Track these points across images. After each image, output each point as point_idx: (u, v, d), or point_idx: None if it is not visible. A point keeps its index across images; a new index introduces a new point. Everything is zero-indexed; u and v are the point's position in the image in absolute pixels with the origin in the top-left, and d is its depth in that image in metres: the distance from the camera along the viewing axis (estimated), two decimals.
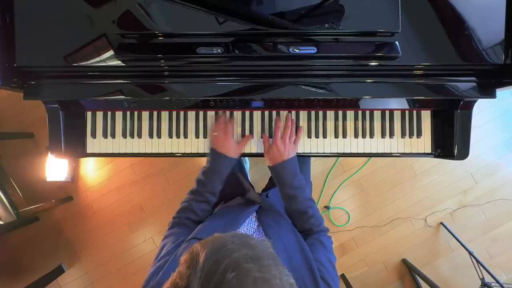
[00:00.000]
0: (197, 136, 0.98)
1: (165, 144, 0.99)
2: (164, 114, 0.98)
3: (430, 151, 0.97)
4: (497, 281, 1.41)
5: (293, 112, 0.97)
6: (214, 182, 0.87)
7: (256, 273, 0.38)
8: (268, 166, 0.91)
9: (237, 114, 0.98)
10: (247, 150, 0.98)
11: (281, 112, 0.97)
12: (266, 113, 0.97)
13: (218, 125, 0.93)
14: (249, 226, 0.76)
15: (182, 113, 0.98)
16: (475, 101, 0.90)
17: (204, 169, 0.90)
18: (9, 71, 0.83)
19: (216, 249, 0.40)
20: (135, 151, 0.99)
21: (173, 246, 0.68)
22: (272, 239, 0.67)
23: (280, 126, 0.91)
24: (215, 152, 0.90)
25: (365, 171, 1.89)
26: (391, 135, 0.97)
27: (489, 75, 0.85)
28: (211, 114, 0.98)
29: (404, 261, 1.88)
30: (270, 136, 0.95)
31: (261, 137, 0.96)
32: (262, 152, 0.95)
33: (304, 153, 0.97)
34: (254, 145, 0.97)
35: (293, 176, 0.86)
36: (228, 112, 0.98)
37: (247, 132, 0.97)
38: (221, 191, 1.03)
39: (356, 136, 0.97)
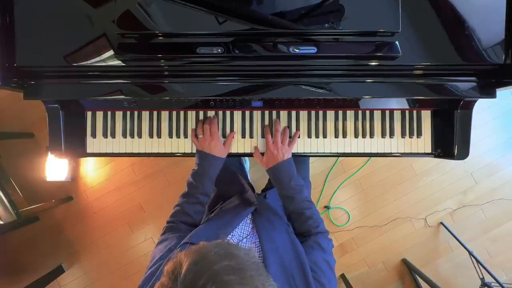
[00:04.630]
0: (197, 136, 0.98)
1: (165, 144, 0.99)
2: (164, 114, 0.98)
3: (430, 151, 0.97)
4: (497, 281, 1.41)
5: (293, 112, 0.97)
6: (204, 183, 0.88)
7: (237, 285, 0.38)
8: (266, 170, 0.92)
9: (237, 114, 0.98)
10: (246, 150, 0.98)
11: (281, 113, 0.97)
12: (266, 113, 0.97)
13: (202, 126, 0.93)
14: (243, 229, 0.75)
15: (182, 113, 0.98)
16: (475, 101, 0.90)
17: (193, 171, 0.90)
18: (9, 71, 0.83)
19: (198, 260, 0.40)
20: (135, 151, 0.99)
21: (166, 250, 0.67)
22: (265, 242, 0.67)
23: (270, 131, 0.93)
24: (202, 153, 0.91)
25: (365, 171, 1.89)
26: (391, 135, 0.97)
27: (489, 75, 0.85)
28: (211, 114, 0.98)
29: (404, 261, 1.88)
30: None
31: (255, 149, 0.97)
32: (262, 152, 0.96)
33: (304, 153, 0.97)
34: (253, 145, 0.97)
35: (289, 178, 0.87)
36: (211, 113, 0.98)
37: (247, 132, 0.97)
38: (221, 192, 1.03)
39: (356, 136, 0.97)
